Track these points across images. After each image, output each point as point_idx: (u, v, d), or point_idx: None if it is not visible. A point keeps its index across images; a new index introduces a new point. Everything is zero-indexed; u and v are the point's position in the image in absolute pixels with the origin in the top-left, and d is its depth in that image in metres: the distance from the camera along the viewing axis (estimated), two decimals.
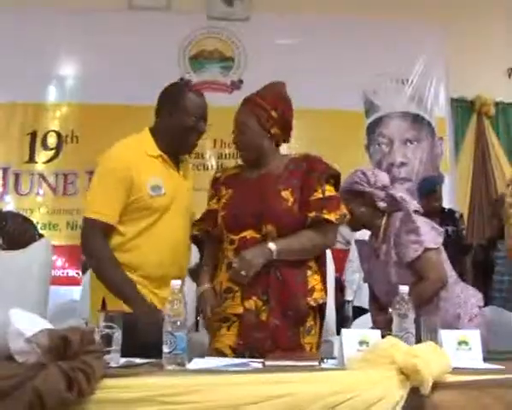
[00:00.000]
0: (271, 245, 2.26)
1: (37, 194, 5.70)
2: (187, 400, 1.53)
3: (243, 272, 2.25)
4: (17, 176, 5.68)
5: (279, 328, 2.27)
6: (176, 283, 1.88)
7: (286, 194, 2.32)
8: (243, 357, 2.12)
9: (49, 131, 5.81)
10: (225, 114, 5.80)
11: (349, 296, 4.89)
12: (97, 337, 1.68)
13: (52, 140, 5.79)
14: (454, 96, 6.24)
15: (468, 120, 6.35)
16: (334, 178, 2.39)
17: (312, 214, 2.29)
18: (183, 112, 2.43)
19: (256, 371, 1.82)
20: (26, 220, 3.03)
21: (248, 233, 2.30)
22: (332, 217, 2.30)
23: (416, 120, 6.04)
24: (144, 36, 5.72)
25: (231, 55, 5.99)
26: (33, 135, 5.77)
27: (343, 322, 4.27)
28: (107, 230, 2.34)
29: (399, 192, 2.80)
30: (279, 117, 2.38)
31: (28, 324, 1.75)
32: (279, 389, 1.54)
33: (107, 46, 5.68)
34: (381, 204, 2.73)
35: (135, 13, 5.84)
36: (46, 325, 1.86)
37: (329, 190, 2.33)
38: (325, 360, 1.96)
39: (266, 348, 2.18)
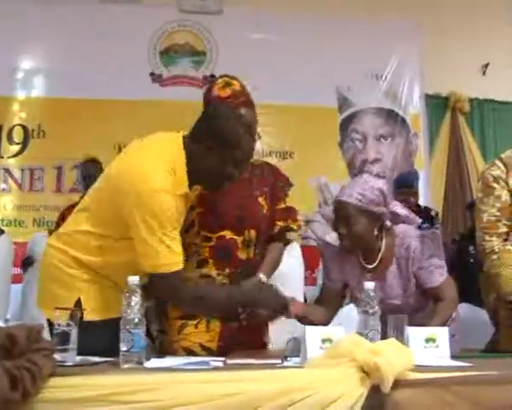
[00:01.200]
0: (263, 278, 2.34)
1: (3, 190, 5.60)
2: (142, 398, 1.49)
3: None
4: None
5: (253, 330, 2.33)
6: (133, 278, 1.84)
7: (261, 200, 2.41)
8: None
9: (16, 126, 5.71)
10: (198, 109, 5.79)
11: None
12: (48, 335, 1.63)
13: (18, 134, 5.69)
14: (429, 92, 6.27)
15: (443, 116, 6.38)
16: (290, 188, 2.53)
17: (281, 223, 2.44)
18: (226, 154, 2.14)
19: (215, 369, 1.79)
20: None
21: (226, 233, 2.32)
22: (295, 226, 2.48)
23: (391, 116, 6.05)
24: (114, 29, 5.66)
25: (203, 50, 5.94)
26: None
27: None
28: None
29: (396, 206, 2.58)
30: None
31: None
32: (235, 388, 1.52)
33: (75, 39, 5.61)
34: (388, 224, 2.51)
35: (105, 5, 5.76)
36: None
37: (289, 202, 2.49)
38: (288, 359, 1.94)
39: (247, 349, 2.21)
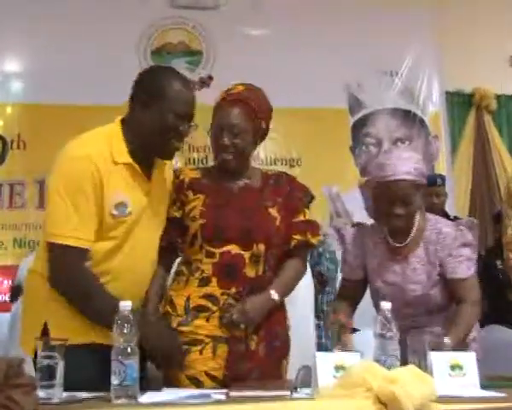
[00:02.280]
0: (274, 295, 2.34)
1: None
2: None
3: (242, 326, 2.28)
4: None
5: (267, 359, 2.33)
6: (125, 304, 1.85)
7: (273, 212, 2.40)
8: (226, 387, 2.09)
9: None
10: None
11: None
12: (29, 369, 1.63)
13: None
14: (449, 89, 6.27)
15: (466, 115, 6.38)
16: (311, 201, 2.53)
17: (298, 237, 2.42)
18: (164, 105, 2.24)
19: (217, 403, 1.80)
20: None
21: (232, 248, 2.32)
22: (315, 241, 2.47)
23: (407, 117, 6.04)
24: (101, 27, 5.65)
25: (199, 49, 5.96)
26: None
27: None
28: (85, 255, 2.19)
29: None
30: (265, 129, 2.47)
31: None
32: None
33: (58, 38, 5.60)
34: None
35: (87, 2, 5.76)
36: None
37: (308, 215, 2.48)
38: (298, 389, 1.94)
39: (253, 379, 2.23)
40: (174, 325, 2.33)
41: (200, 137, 5.60)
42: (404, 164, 2.52)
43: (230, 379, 2.18)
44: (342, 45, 5.79)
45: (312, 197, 2.53)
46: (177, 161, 5.70)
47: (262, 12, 5.94)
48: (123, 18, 5.73)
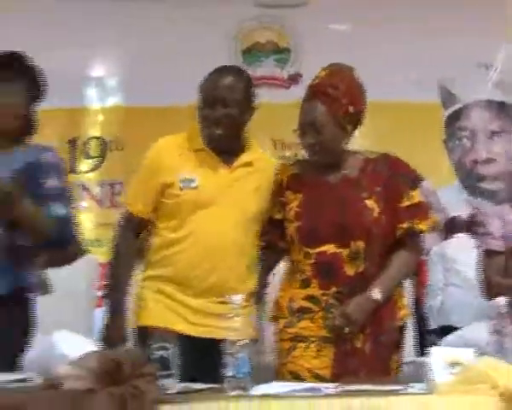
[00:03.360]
0: (376, 294, 2.24)
1: (81, 207, 5.75)
2: None
3: (347, 329, 2.22)
4: None
5: (374, 356, 2.26)
6: (236, 297, 1.86)
7: (371, 203, 2.29)
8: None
9: (91, 138, 5.87)
10: (284, 111, 5.81)
11: (432, 324, 4.77)
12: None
13: (94, 147, 5.84)
14: None
15: None
16: (419, 182, 2.37)
17: (404, 225, 2.30)
18: (198, 98, 2.44)
19: (328, 396, 1.78)
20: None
21: (328, 248, 2.26)
22: (424, 227, 2.32)
23: (503, 109, 5.84)
24: (191, 31, 5.73)
25: (287, 47, 5.95)
26: (73, 142, 5.83)
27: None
28: (137, 224, 2.48)
29: None
30: (355, 113, 2.33)
31: (74, 347, 1.76)
32: None
33: (150, 44, 5.72)
34: None
35: (177, 8, 5.84)
36: (93, 347, 1.87)
37: (417, 196, 2.31)
38: (411, 384, 1.89)
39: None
40: (280, 325, 2.32)
41: (290, 134, 5.66)
42: None
43: (337, 378, 2.14)
44: (435, 40, 5.65)
45: (419, 178, 2.38)
46: None
47: (349, 7, 5.88)
48: (212, 20, 5.77)
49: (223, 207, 2.38)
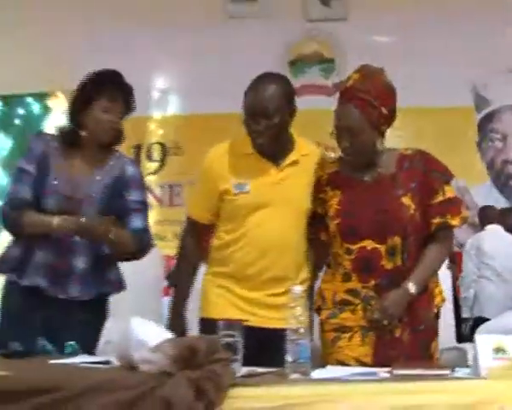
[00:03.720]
0: (411, 287, 2.19)
1: None
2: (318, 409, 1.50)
3: (385, 322, 2.18)
4: None
5: (412, 345, 2.22)
6: (297, 288, 1.86)
7: (406, 200, 2.22)
8: None
9: (154, 144, 5.99)
10: (328, 116, 5.77)
11: (465, 314, 4.70)
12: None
13: (157, 152, 5.96)
14: None
15: None
16: (451, 177, 2.30)
17: (437, 221, 2.22)
18: (245, 124, 2.36)
19: (383, 380, 1.76)
20: None
21: (368, 243, 2.21)
22: (456, 222, 2.24)
23: None
24: (241, 44, 5.79)
25: (331, 57, 5.94)
26: (138, 148, 5.96)
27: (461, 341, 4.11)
28: (199, 228, 2.49)
29: None
30: (389, 114, 2.24)
31: (150, 333, 1.77)
32: (409, 400, 1.50)
33: (205, 55, 5.80)
34: None
35: (233, 20, 5.90)
36: (167, 334, 1.88)
37: (450, 191, 2.24)
38: (456, 370, 1.86)
39: None
40: (323, 316, 2.31)
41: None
42: None
43: (379, 366, 2.11)
44: (466, 47, 5.60)
45: (451, 175, 2.29)
46: None
47: (388, 21, 5.85)
48: (262, 35, 5.82)
49: (275, 206, 2.36)
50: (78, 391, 1.48)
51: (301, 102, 6.25)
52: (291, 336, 1.79)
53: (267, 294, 2.35)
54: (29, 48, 5.82)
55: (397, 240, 2.20)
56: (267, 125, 2.30)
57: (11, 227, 2.43)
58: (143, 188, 2.61)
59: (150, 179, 5.92)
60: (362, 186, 2.28)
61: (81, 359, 2.02)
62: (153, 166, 5.98)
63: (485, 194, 5.52)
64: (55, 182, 2.40)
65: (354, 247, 2.23)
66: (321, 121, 5.60)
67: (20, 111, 6.22)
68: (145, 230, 2.51)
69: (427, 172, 2.25)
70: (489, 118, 5.77)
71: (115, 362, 1.80)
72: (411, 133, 5.63)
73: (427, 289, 2.28)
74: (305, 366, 1.79)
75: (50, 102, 6.08)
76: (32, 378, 1.60)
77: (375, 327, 2.20)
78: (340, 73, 5.87)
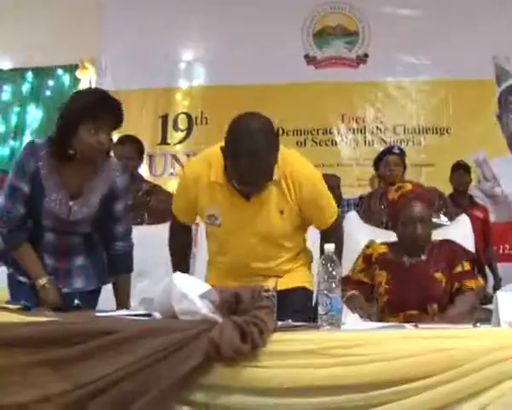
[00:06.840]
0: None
1: (171, 174, 6.00)
2: (351, 352, 1.60)
3: None
4: (151, 157, 5.97)
5: None
6: (329, 246, 1.95)
7: (439, 275, 2.68)
8: None
9: (180, 114, 6.09)
10: (352, 88, 5.84)
11: None
12: None
13: (183, 122, 6.07)
14: None
15: None
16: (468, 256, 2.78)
17: (456, 285, 2.69)
18: (229, 166, 2.32)
19: (408, 330, 1.87)
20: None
21: (412, 312, 2.60)
22: (472, 284, 2.70)
23: None
24: (266, 16, 5.83)
25: (355, 30, 5.96)
26: (165, 118, 6.07)
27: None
28: (187, 226, 2.68)
29: None
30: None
31: (191, 286, 1.87)
32: (437, 344, 1.59)
33: (230, 27, 5.85)
34: None
35: None
36: (207, 287, 1.99)
37: (467, 266, 2.73)
38: (478, 325, 1.96)
39: None
40: None
41: (357, 109, 5.71)
42: None
43: None
44: (489, 20, 5.59)
45: (468, 253, 2.79)
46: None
47: None
48: (288, 7, 5.85)
49: (246, 236, 2.45)
50: (137, 333, 1.60)
51: (324, 74, 6.35)
52: (323, 290, 1.90)
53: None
54: (58, 22, 5.93)
55: (435, 307, 2.63)
56: (255, 174, 2.29)
57: (3, 243, 2.51)
58: (129, 195, 2.73)
59: (176, 149, 6.07)
60: (405, 267, 2.72)
61: (123, 312, 2.15)
62: (179, 135, 6.08)
63: (504, 166, 5.55)
64: (52, 204, 2.43)
65: (401, 314, 2.61)
66: (345, 93, 5.71)
67: (51, 83, 6.33)
68: (128, 234, 2.65)
69: (450, 253, 2.74)
70: (510, 91, 5.77)
71: (156, 315, 1.90)
72: (434, 105, 5.70)
73: None
74: (337, 317, 1.89)
75: (79, 74, 6.20)
76: (91, 322, 1.74)
77: None
78: (364, 45, 5.90)
